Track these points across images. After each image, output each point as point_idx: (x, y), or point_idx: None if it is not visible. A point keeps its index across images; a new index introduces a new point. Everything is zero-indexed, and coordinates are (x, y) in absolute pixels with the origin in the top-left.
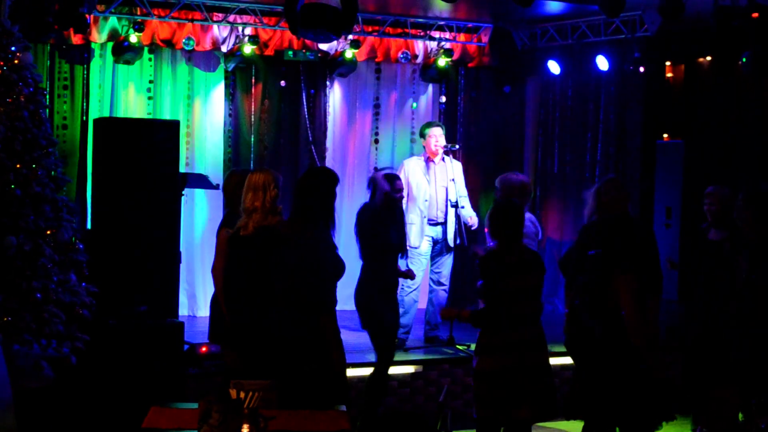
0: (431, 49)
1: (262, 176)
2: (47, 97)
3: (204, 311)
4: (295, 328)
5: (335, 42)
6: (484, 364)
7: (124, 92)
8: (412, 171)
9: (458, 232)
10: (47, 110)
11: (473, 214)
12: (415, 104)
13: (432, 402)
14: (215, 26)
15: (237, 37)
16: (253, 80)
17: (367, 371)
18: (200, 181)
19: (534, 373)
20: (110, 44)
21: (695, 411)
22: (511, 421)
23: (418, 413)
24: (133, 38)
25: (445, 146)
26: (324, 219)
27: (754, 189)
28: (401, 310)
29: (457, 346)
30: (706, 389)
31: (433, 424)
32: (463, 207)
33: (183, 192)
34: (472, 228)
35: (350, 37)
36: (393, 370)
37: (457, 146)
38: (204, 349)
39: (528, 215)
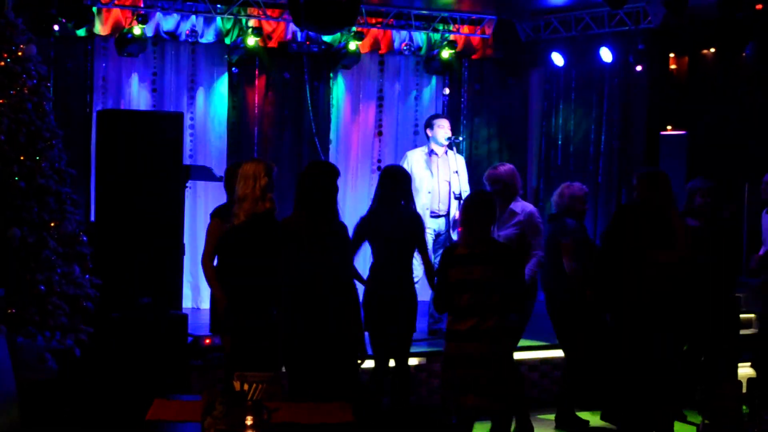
0: (435, 41)
1: (253, 165)
2: (51, 89)
3: (208, 303)
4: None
5: (339, 34)
6: (446, 349)
7: (127, 84)
8: (415, 163)
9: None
10: (51, 102)
11: None
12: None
13: (435, 394)
14: (219, 18)
15: (241, 29)
16: (256, 72)
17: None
18: (203, 174)
19: (482, 363)
20: (114, 36)
21: (699, 405)
22: (458, 408)
23: None
24: (137, 30)
25: (449, 138)
26: (331, 211)
27: None
28: None
29: None
30: (710, 383)
31: (436, 416)
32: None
33: (186, 184)
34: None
35: (354, 29)
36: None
37: (461, 138)
38: (208, 341)
39: (522, 204)
